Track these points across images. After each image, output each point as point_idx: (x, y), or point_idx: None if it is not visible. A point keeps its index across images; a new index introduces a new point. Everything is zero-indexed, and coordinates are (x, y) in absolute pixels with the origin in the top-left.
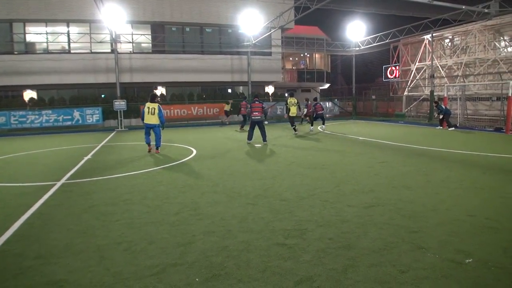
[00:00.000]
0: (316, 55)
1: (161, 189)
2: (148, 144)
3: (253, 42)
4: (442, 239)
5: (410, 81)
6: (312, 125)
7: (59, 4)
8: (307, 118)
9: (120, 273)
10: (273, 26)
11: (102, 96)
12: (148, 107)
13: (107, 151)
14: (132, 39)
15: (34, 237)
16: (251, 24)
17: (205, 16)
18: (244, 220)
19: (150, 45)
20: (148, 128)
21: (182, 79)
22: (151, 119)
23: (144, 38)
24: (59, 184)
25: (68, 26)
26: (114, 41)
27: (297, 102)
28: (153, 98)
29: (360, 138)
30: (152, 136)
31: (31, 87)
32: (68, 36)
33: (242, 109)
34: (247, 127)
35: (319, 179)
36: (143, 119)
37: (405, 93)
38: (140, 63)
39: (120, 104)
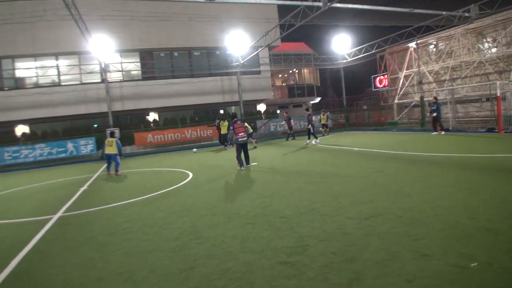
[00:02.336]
0: (305, 70)
1: (159, 215)
2: (108, 169)
3: (242, 62)
4: (445, 245)
5: (399, 88)
6: (309, 138)
7: (47, 38)
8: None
9: None
10: (260, 45)
11: (95, 126)
12: (108, 141)
13: (103, 180)
14: (122, 67)
15: (32, 274)
16: (238, 44)
17: (192, 40)
18: (245, 240)
19: (140, 72)
20: (108, 157)
21: (173, 103)
22: (110, 150)
23: (133, 65)
24: (55, 217)
25: (57, 59)
26: (104, 70)
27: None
28: (112, 134)
29: (355, 148)
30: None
31: (23, 121)
32: (58, 69)
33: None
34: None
35: (317, 193)
36: (103, 151)
37: (396, 101)
38: (130, 90)
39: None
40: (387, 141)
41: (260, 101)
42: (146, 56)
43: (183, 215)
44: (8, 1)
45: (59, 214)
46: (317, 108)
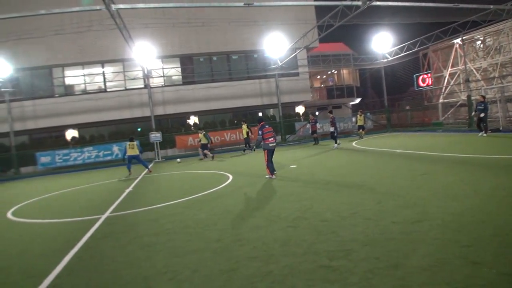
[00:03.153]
0: (344, 70)
1: (201, 216)
2: (129, 169)
3: (280, 64)
4: (497, 252)
5: (444, 87)
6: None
7: (94, 47)
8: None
9: None
10: (298, 47)
11: (138, 129)
12: (129, 144)
13: (147, 182)
14: (163, 73)
15: (83, 270)
16: (276, 47)
17: (230, 44)
18: (286, 243)
19: (180, 77)
20: (131, 158)
21: (213, 107)
22: (132, 151)
23: (174, 71)
24: (103, 217)
25: (103, 67)
26: (146, 76)
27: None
28: (131, 139)
29: (398, 150)
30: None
31: (73, 126)
32: (104, 76)
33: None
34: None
35: (359, 197)
36: (125, 153)
37: (440, 100)
38: (172, 95)
39: (155, 136)
40: (432, 143)
41: (298, 103)
42: (186, 61)
43: (224, 217)
44: (58, 14)
45: (107, 214)
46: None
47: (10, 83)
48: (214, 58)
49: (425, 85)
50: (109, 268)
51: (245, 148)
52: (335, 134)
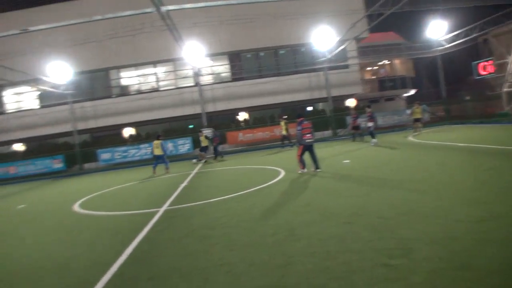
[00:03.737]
0: (396, 60)
1: (254, 211)
2: (154, 168)
3: (328, 57)
4: None
5: (508, 75)
6: (373, 137)
7: (146, 48)
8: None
9: None
10: (346, 38)
11: (190, 126)
12: (154, 143)
13: (201, 177)
14: (212, 70)
15: (145, 261)
16: (324, 39)
17: (277, 39)
18: (343, 240)
19: (229, 74)
20: (156, 157)
21: (261, 102)
22: (156, 151)
23: (222, 68)
24: (162, 210)
25: (155, 67)
26: (196, 74)
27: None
28: (158, 137)
29: (460, 144)
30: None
31: (129, 124)
32: (156, 76)
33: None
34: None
35: (418, 193)
36: (152, 152)
37: (504, 89)
38: (221, 92)
39: (207, 133)
40: (497, 135)
41: (348, 96)
42: (234, 58)
43: (277, 212)
44: (112, 18)
45: (165, 207)
46: (411, 101)
47: (72, 86)
48: (262, 54)
49: (486, 73)
50: (169, 259)
51: (284, 145)
52: (371, 130)
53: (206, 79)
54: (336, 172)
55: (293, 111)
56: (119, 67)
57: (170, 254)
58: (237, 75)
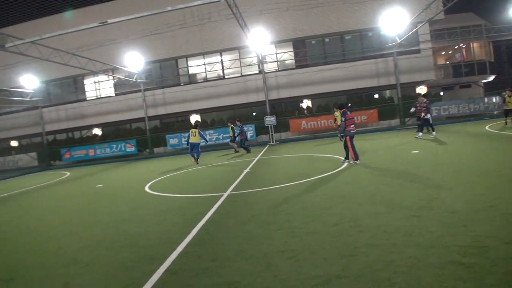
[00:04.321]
0: (474, 44)
1: (317, 199)
2: (193, 156)
3: (398, 41)
4: None
5: None
6: (421, 131)
7: (213, 37)
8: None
9: (286, 280)
10: (419, 21)
11: (253, 114)
12: (192, 131)
13: (263, 164)
14: (277, 57)
15: (209, 242)
16: (393, 23)
17: (343, 24)
18: (410, 233)
19: (293, 61)
20: (192, 145)
21: (326, 89)
22: (193, 139)
23: (287, 55)
24: (225, 195)
25: (221, 55)
26: (261, 62)
27: None
28: (196, 126)
29: None
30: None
31: (196, 111)
32: (222, 64)
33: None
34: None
35: (496, 188)
36: (188, 141)
37: None
38: (285, 79)
39: (270, 120)
40: None
41: (419, 83)
42: (299, 45)
43: (341, 202)
44: (181, 9)
45: (228, 192)
46: (490, 88)
47: (144, 74)
48: (327, 40)
49: None
50: (232, 242)
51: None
52: (430, 122)
53: (270, 67)
54: (404, 163)
55: (359, 98)
56: (187, 56)
57: (233, 237)
58: (301, 62)
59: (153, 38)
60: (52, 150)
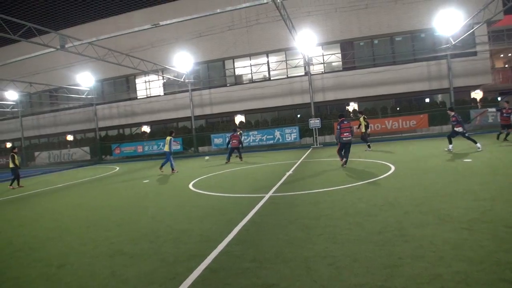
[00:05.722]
0: None
1: (361, 206)
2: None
3: (453, 43)
4: None
5: None
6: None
7: (260, 39)
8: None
9: (326, 287)
10: (476, 22)
11: (298, 116)
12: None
13: (306, 167)
14: (323, 59)
15: (250, 242)
16: (448, 23)
17: (394, 25)
18: (459, 247)
19: (340, 63)
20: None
21: (374, 93)
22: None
23: (334, 57)
24: (267, 196)
25: (267, 57)
26: (307, 64)
27: None
28: (170, 133)
29: None
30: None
31: (240, 112)
32: (268, 65)
33: (234, 141)
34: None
35: None
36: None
37: None
38: (331, 82)
39: (315, 123)
40: None
41: (475, 87)
42: (346, 47)
43: (386, 209)
44: (230, 11)
45: (270, 193)
46: None
47: (191, 75)
48: (376, 42)
49: None
50: (272, 243)
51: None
52: (466, 134)
53: (316, 69)
54: (455, 171)
55: (409, 102)
56: (234, 57)
57: (274, 239)
58: (349, 64)
59: (202, 39)
60: (103, 145)
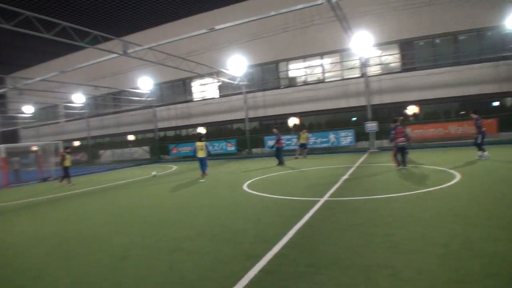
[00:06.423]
0: None
1: (423, 215)
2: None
3: None
4: None
5: None
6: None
7: (314, 40)
8: None
9: None
10: None
11: (353, 119)
12: (198, 145)
13: (363, 171)
14: (381, 60)
15: (305, 246)
16: None
17: (458, 22)
18: None
19: (399, 64)
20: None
21: (435, 95)
22: (201, 153)
23: (392, 58)
24: (322, 200)
25: (322, 58)
26: (363, 65)
27: None
28: (200, 138)
29: None
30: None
31: (294, 114)
32: (322, 67)
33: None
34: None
35: None
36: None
37: None
38: (389, 83)
39: (371, 126)
40: None
41: None
42: (405, 47)
43: (452, 220)
44: (283, 13)
45: (325, 198)
46: None
47: (246, 77)
48: (437, 41)
49: None
50: (329, 249)
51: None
52: (478, 141)
53: (373, 70)
54: None
55: (474, 105)
56: (288, 60)
57: (330, 245)
58: (408, 65)
59: (256, 42)
60: (162, 145)
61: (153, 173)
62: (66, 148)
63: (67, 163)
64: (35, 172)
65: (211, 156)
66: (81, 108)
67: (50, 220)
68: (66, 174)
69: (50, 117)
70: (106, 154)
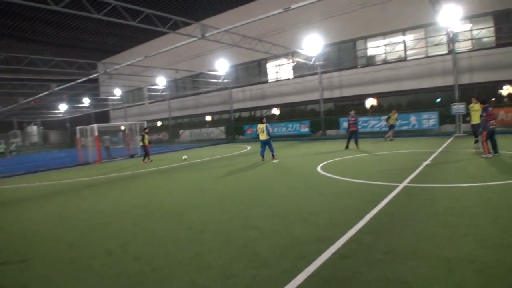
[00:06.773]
0: None
1: None
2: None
3: None
4: None
5: None
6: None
7: (396, 15)
8: None
9: None
10: None
11: (437, 100)
12: (259, 127)
13: (446, 157)
14: (472, 35)
15: (382, 233)
16: None
17: None
18: None
19: (493, 39)
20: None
21: None
22: (262, 136)
23: (485, 31)
24: (401, 186)
25: (404, 35)
26: (451, 41)
27: None
28: (261, 120)
29: None
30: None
31: (372, 95)
32: (404, 44)
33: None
34: None
35: None
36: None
37: None
38: (481, 60)
39: (459, 108)
40: None
41: None
42: (502, 18)
43: None
44: None
45: (404, 183)
46: None
47: (321, 57)
48: None
49: None
50: (408, 237)
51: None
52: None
53: (462, 46)
54: None
55: None
56: (367, 37)
57: (408, 233)
58: (503, 39)
59: (332, 20)
60: (237, 125)
61: (184, 157)
62: (144, 128)
63: (146, 142)
64: (123, 149)
65: (271, 137)
66: (163, 90)
67: (135, 192)
68: (146, 152)
69: (136, 99)
70: (185, 134)
